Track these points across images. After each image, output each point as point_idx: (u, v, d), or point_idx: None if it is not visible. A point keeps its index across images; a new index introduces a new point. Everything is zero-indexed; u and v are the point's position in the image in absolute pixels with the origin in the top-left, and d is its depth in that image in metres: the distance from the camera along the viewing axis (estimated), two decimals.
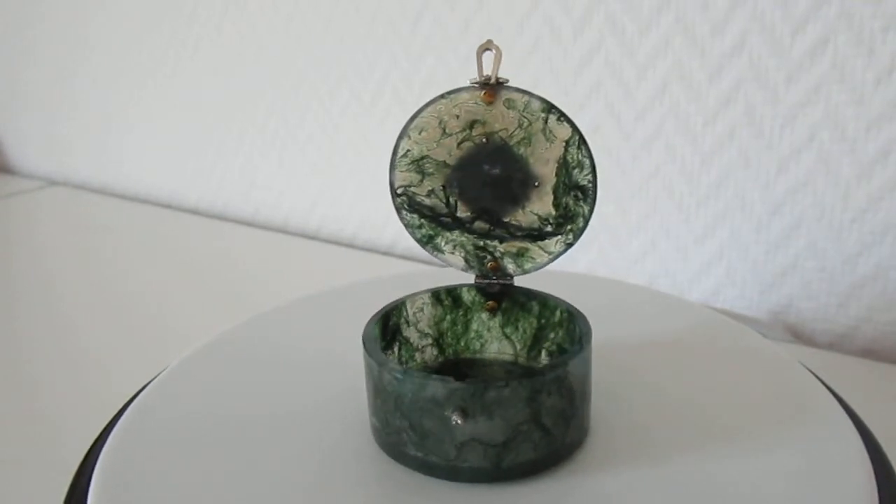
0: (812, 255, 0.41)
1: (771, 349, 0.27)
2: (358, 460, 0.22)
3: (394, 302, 0.24)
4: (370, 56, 0.54)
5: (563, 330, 0.24)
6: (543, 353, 0.25)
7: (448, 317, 0.25)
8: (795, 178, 0.41)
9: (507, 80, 0.23)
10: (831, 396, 0.24)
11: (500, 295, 0.25)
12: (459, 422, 0.20)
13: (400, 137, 0.24)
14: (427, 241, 0.24)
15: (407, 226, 0.24)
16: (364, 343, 0.22)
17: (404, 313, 0.24)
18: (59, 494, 0.22)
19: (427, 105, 0.23)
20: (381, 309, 0.23)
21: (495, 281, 0.25)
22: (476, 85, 0.23)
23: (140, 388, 0.26)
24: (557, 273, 0.34)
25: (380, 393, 0.21)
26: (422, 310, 0.25)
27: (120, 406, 0.25)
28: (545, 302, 0.25)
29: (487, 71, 0.23)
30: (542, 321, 0.25)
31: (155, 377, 0.26)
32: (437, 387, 0.20)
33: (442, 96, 0.23)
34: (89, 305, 0.49)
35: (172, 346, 0.37)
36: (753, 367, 0.26)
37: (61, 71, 0.75)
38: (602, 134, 0.46)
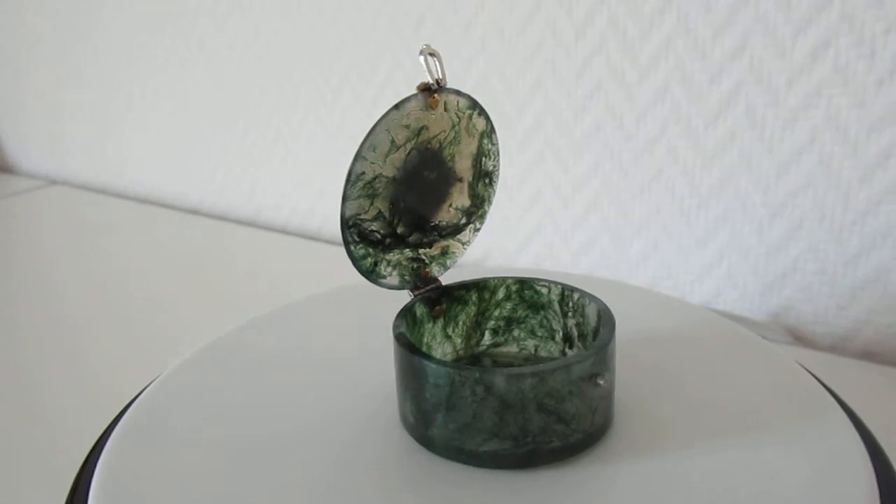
0: (813, 257, 0.41)
1: (771, 351, 0.27)
2: (412, 461, 0.22)
3: (398, 331, 0.23)
4: (372, 57, 0.54)
5: (511, 302, 0.25)
6: (487, 333, 0.26)
7: (411, 337, 0.25)
8: (796, 180, 0.41)
9: (445, 83, 0.22)
10: (832, 398, 0.24)
11: (440, 297, 0.25)
12: (605, 382, 0.21)
13: (355, 160, 0.22)
14: (371, 270, 0.23)
15: (354, 259, 0.23)
16: (464, 367, 0.20)
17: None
18: (59, 497, 0.22)
19: (380, 119, 0.22)
20: (402, 341, 0.22)
21: (430, 287, 0.24)
22: (418, 91, 0.22)
23: (140, 389, 0.26)
24: (558, 275, 0.34)
25: (513, 406, 0.20)
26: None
27: (120, 408, 0.25)
28: (483, 285, 0.25)
29: (428, 76, 0.22)
30: (482, 304, 0.25)
31: (155, 379, 0.26)
32: (580, 365, 0.20)
33: (395, 107, 0.22)
34: (90, 306, 0.49)
35: (173, 347, 0.37)
36: (754, 369, 0.26)
37: (62, 71, 0.75)
38: (603, 135, 0.46)
